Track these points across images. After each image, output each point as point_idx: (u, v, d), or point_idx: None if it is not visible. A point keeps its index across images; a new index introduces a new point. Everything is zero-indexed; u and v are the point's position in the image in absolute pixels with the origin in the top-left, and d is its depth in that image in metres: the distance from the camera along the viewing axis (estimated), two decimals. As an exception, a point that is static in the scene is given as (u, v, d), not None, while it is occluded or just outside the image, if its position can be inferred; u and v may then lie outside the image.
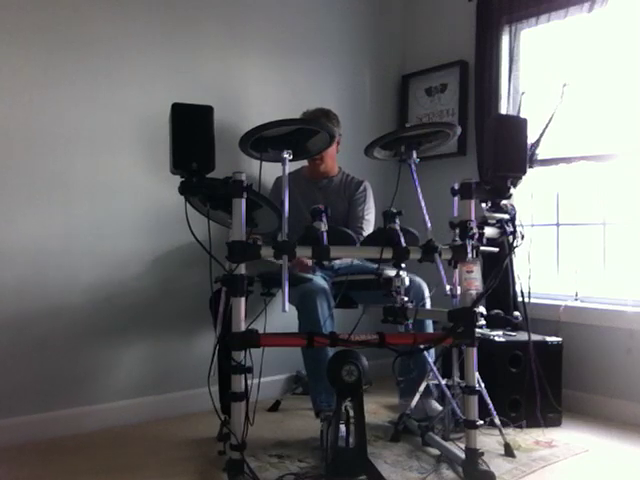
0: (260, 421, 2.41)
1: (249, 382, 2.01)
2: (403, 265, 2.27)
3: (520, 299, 2.88)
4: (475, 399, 2.15)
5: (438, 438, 2.38)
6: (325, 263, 2.05)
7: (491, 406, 2.45)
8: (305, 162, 3.04)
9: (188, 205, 2.03)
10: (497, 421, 2.45)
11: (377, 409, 2.95)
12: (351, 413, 2.04)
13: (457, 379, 2.42)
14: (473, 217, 2.13)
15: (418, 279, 2.69)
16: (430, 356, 2.60)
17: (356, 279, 2.56)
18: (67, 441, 2.47)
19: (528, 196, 3.15)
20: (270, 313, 2.11)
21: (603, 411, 2.86)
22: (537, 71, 3.19)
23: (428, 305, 2.67)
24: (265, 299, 2.18)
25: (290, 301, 2.05)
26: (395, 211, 2.11)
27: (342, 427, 2.04)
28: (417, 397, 2.53)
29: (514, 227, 2.19)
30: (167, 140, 1.97)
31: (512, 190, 2.21)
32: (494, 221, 2.21)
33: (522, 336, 2.74)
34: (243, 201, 1.98)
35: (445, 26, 3.63)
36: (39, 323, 2.50)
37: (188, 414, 2.79)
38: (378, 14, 3.75)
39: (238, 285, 1.96)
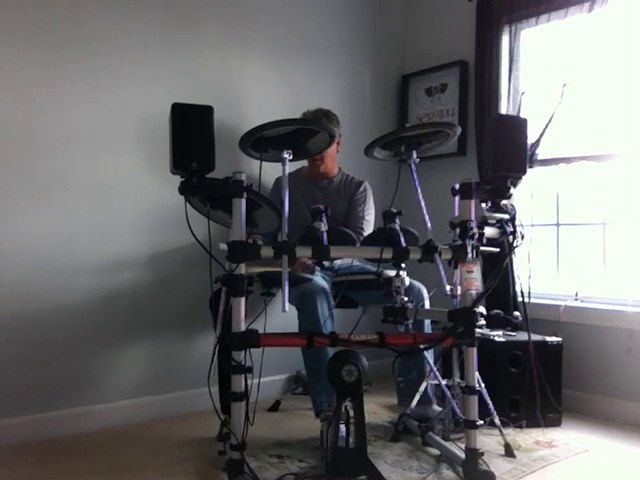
0: (260, 421, 2.41)
1: (249, 382, 2.00)
2: (403, 265, 2.28)
3: (520, 299, 2.88)
4: (475, 399, 2.15)
5: (438, 438, 2.38)
6: (325, 263, 2.05)
7: (491, 406, 2.45)
8: (305, 162, 3.04)
9: (188, 205, 2.03)
10: (497, 421, 2.45)
11: (377, 409, 2.95)
12: (351, 413, 2.04)
13: (457, 379, 2.42)
14: (473, 217, 2.13)
15: (418, 284, 2.68)
16: (430, 356, 2.60)
17: (356, 279, 2.56)
18: (67, 441, 2.47)
19: (528, 196, 3.15)
20: (270, 313, 2.11)
21: (603, 411, 2.86)
22: (537, 71, 3.19)
23: (427, 306, 2.67)
24: (265, 299, 2.18)
25: (290, 301, 2.05)
26: (395, 211, 2.11)
27: (342, 427, 2.04)
28: (417, 397, 2.53)
29: (514, 227, 2.18)
30: (167, 140, 1.97)
31: (512, 190, 2.20)
32: (494, 221, 2.21)
33: (522, 336, 2.74)
34: (243, 201, 1.98)
35: (445, 26, 3.63)
36: (39, 323, 2.50)
37: (188, 414, 2.79)
38: (378, 14, 3.75)
39: (238, 285, 1.96)
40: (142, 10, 2.77)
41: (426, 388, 2.58)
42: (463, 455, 2.14)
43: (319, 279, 2.68)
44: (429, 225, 2.19)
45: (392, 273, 2.36)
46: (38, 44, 2.49)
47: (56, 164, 2.55)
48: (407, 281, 2.37)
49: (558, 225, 3.17)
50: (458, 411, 2.40)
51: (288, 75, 3.30)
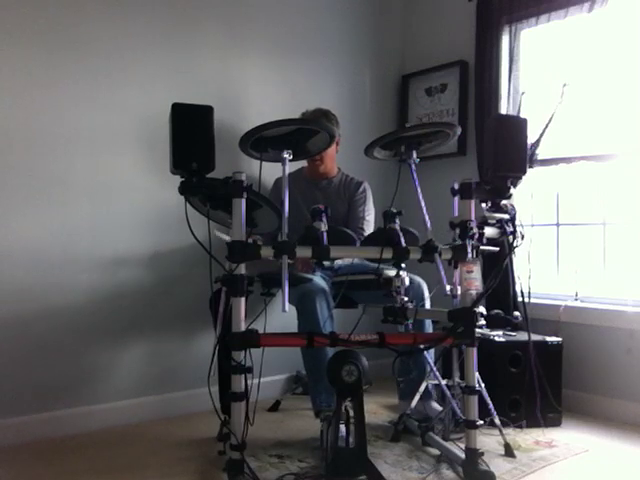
0: (260, 421, 2.41)
1: (249, 382, 2.00)
2: (403, 265, 2.28)
3: (520, 299, 2.88)
4: (475, 399, 2.15)
5: (438, 438, 2.38)
6: (326, 263, 2.05)
7: (491, 406, 2.45)
8: (305, 163, 3.04)
9: (188, 205, 2.03)
10: (497, 421, 2.45)
11: (377, 409, 2.95)
12: (351, 413, 2.04)
13: (457, 379, 2.42)
14: (473, 217, 2.13)
15: (418, 279, 2.69)
16: (430, 356, 2.60)
17: (356, 279, 2.56)
18: (67, 441, 2.47)
19: (528, 196, 3.15)
20: (270, 313, 2.11)
21: (603, 411, 2.86)
22: (537, 71, 3.19)
23: (428, 305, 2.68)
24: (265, 299, 2.18)
25: (290, 301, 2.05)
26: (395, 211, 2.11)
27: (342, 427, 2.04)
28: (417, 397, 2.54)
29: (514, 227, 2.19)
30: (167, 140, 1.97)
31: (512, 190, 2.20)
32: (494, 221, 2.21)
33: (522, 336, 2.74)
34: (243, 201, 1.98)
35: (445, 26, 3.63)
36: (39, 323, 2.50)
37: (188, 414, 2.79)
38: (378, 14, 3.75)
39: (238, 285, 1.96)
40: (142, 10, 2.77)
41: (427, 387, 2.58)
42: (463, 455, 2.14)
43: (319, 279, 2.68)
44: (429, 225, 2.19)
45: (392, 272, 2.36)
46: (38, 44, 2.49)
47: (56, 164, 2.55)
48: (407, 281, 2.37)
49: (558, 225, 3.17)
50: (458, 411, 2.40)
51: (288, 75, 3.30)
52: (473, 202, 2.15)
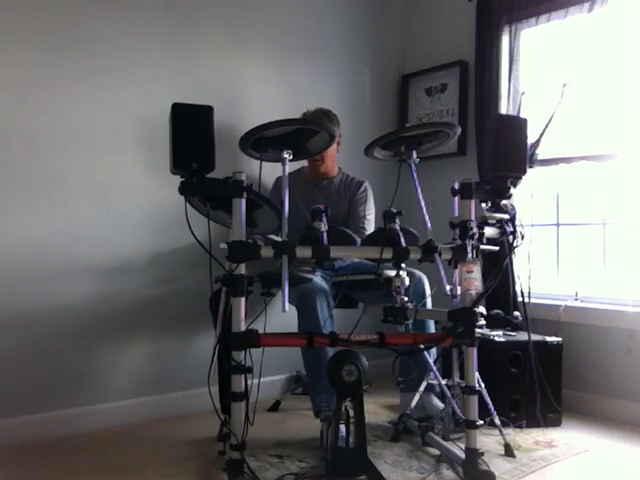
0: (260, 421, 2.41)
1: (249, 382, 2.01)
2: (403, 265, 2.28)
3: (520, 299, 2.88)
4: (475, 399, 2.15)
5: (438, 438, 2.38)
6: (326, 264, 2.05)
7: (491, 406, 2.45)
8: (305, 162, 3.04)
9: (188, 205, 2.03)
10: (497, 421, 2.45)
11: (377, 409, 2.95)
12: (351, 413, 2.04)
13: (457, 379, 2.42)
14: (473, 217, 2.13)
15: (418, 273, 2.69)
16: (430, 356, 2.60)
17: (356, 279, 2.56)
18: (67, 441, 2.47)
19: (528, 196, 3.15)
20: (270, 313, 2.11)
21: (603, 411, 2.86)
22: (537, 71, 3.19)
23: (429, 301, 2.68)
24: (265, 299, 2.18)
25: (290, 301, 2.05)
26: (395, 211, 2.11)
27: (342, 427, 2.04)
28: (417, 397, 2.53)
29: (514, 227, 2.19)
30: (167, 140, 1.97)
31: (512, 190, 2.20)
32: (494, 221, 2.21)
33: (522, 336, 2.74)
34: (243, 201, 1.98)
35: (445, 26, 3.63)
36: (39, 323, 2.50)
37: (188, 414, 2.79)
38: (378, 14, 3.75)
39: (238, 285, 1.96)
40: (142, 10, 2.77)
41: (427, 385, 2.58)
42: (463, 455, 2.14)
43: (319, 279, 2.68)
44: (429, 225, 2.20)
45: (392, 272, 2.36)
46: (38, 44, 2.49)
47: (56, 164, 2.55)
48: (407, 281, 2.37)
49: (558, 225, 3.17)
50: (458, 411, 2.40)
51: (288, 75, 3.30)
52: (473, 202, 2.15)
